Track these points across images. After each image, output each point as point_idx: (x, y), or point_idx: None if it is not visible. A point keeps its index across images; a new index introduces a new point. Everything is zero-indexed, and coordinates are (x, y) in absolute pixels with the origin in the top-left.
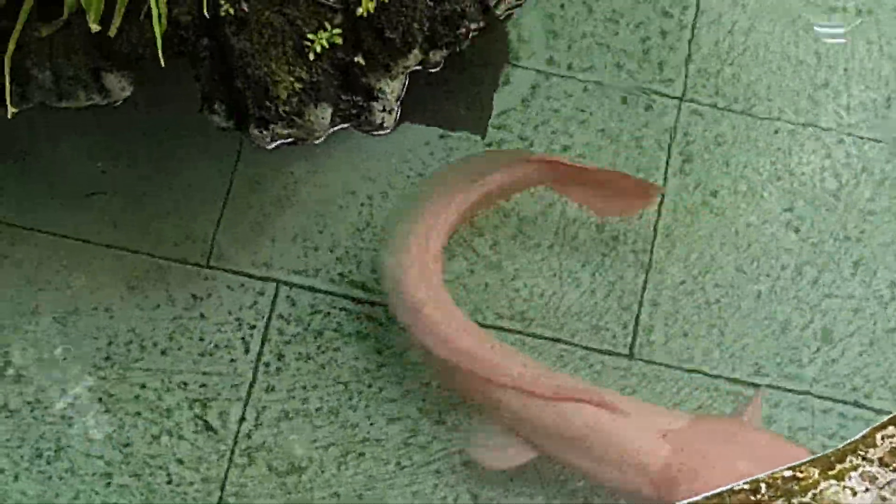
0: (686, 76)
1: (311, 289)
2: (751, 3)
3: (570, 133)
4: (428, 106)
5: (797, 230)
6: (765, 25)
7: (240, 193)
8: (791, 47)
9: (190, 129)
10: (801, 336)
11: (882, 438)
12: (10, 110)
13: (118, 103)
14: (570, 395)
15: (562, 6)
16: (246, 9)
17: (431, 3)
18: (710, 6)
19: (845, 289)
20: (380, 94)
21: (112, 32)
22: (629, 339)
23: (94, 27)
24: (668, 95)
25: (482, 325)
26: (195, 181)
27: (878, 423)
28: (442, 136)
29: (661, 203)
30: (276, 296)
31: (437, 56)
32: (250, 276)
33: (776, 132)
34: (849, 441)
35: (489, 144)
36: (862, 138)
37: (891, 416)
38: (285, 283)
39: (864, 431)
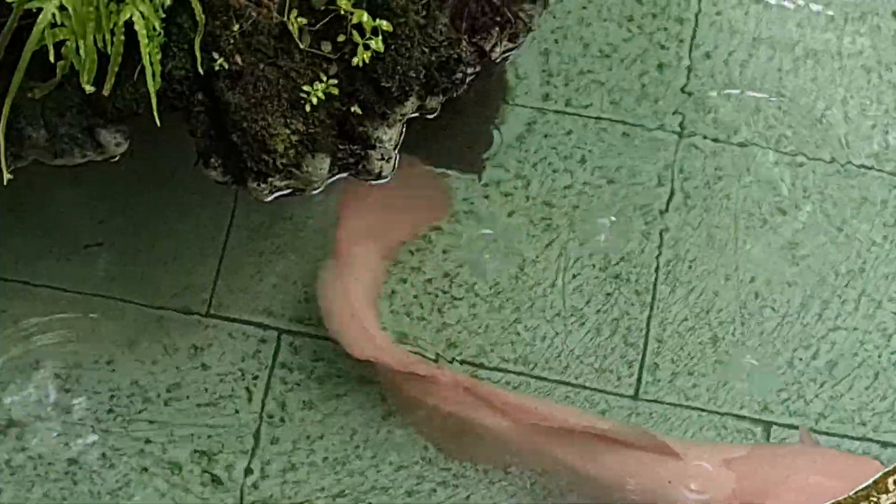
0: (684, 110)
1: (314, 336)
2: (747, 34)
3: (569, 170)
4: (424, 146)
5: (799, 263)
6: (762, 55)
7: (238, 241)
8: (789, 77)
9: (186, 179)
10: (806, 371)
11: (894, 483)
12: (6, 176)
13: (115, 158)
14: (624, 439)
15: (556, 42)
16: (240, 62)
17: (427, 50)
18: (706, 38)
19: (850, 322)
20: (377, 143)
21: (106, 92)
22: (634, 379)
23: (88, 88)
24: (666, 130)
25: (485, 368)
26: (193, 230)
27: (889, 468)
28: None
29: (661, 239)
30: (278, 344)
31: (433, 102)
32: (251, 325)
33: (776, 164)
34: (861, 487)
35: (486, 184)
36: (862, 167)
37: None
38: (287, 331)
39: (876, 476)
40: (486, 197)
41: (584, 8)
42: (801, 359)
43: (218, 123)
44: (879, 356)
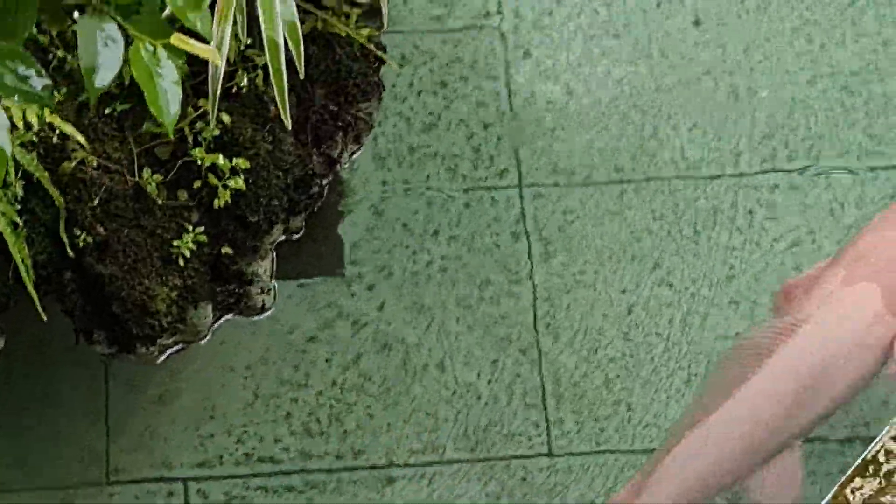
0: (519, 162)
1: (220, 477)
2: (559, 70)
3: (425, 248)
4: (294, 265)
5: (671, 284)
6: (580, 89)
7: (119, 401)
8: (612, 106)
9: (55, 353)
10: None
11: (852, 492)
12: None
13: None
14: None
15: (379, 124)
16: (103, 232)
17: (281, 174)
18: (520, 85)
19: (732, 328)
20: (254, 278)
21: None
22: (545, 437)
23: None
24: (508, 186)
25: (397, 466)
26: (71, 401)
27: (843, 479)
28: (301, 287)
29: (533, 293)
30: (186, 494)
31: (297, 222)
32: (154, 481)
33: (621, 194)
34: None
35: (349, 283)
36: (704, 178)
37: (854, 467)
38: (192, 479)
39: (833, 490)
40: (353, 295)
41: (395, 85)
42: (695, 375)
43: (93, 297)
44: None
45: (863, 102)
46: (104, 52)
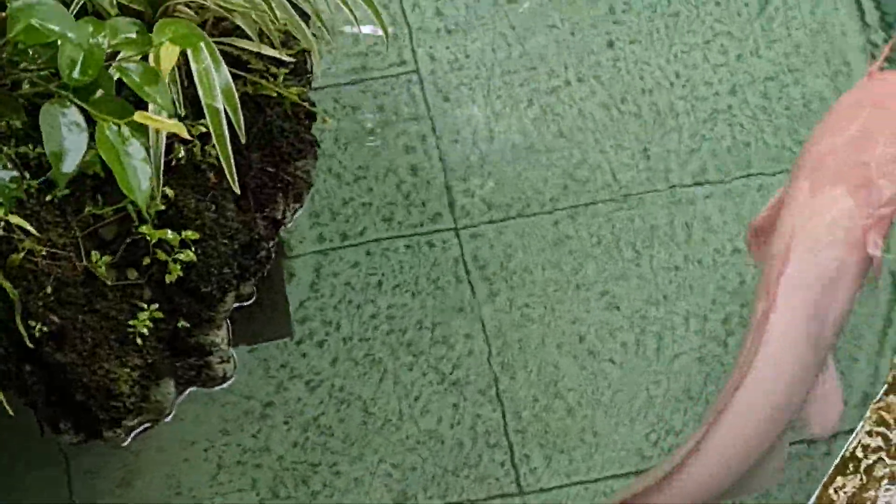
0: (452, 203)
1: None
2: (480, 107)
3: (370, 300)
4: (245, 331)
5: (619, 308)
6: (503, 123)
7: (83, 488)
8: (536, 136)
9: (16, 445)
10: (666, 405)
11: (835, 491)
12: None
13: None
14: None
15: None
16: (57, 320)
17: (227, 241)
18: (445, 127)
19: (685, 344)
20: (213, 348)
21: None
22: (513, 476)
23: None
24: (443, 228)
25: None
26: (37, 493)
27: (825, 479)
28: (251, 352)
29: (484, 333)
30: None
31: (247, 288)
32: None
33: (556, 223)
34: None
35: (299, 342)
36: (637, 195)
37: (833, 466)
38: None
39: (817, 492)
40: (304, 355)
41: (322, 141)
42: (655, 396)
43: (56, 387)
44: (722, 365)
45: (784, 107)
46: (69, 136)
